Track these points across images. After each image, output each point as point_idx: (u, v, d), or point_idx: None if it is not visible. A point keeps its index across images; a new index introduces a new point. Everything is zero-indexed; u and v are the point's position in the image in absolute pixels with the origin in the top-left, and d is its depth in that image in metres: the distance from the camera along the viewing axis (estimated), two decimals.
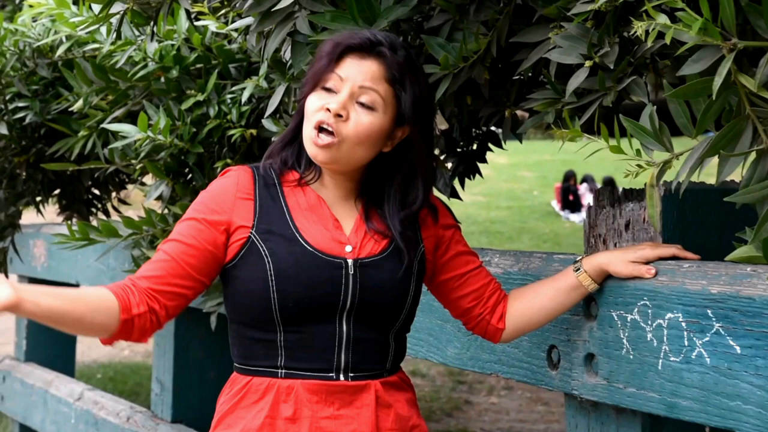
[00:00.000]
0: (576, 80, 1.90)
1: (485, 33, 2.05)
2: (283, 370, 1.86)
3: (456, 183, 3.19)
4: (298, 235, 1.86)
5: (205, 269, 1.87)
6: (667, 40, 1.60)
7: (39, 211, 4.17)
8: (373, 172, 1.95)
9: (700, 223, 1.97)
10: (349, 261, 1.87)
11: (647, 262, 1.85)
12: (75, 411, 4.29)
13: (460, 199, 3.21)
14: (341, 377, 1.86)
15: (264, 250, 1.85)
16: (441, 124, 2.99)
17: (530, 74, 2.38)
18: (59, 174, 4.09)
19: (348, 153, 1.86)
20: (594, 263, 1.91)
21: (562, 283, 1.94)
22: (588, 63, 1.89)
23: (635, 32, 1.62)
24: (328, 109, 1.83)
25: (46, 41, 3.51)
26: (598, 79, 1.88)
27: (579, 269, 1.92)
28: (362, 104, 1.84)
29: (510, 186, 18.41)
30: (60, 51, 3.42)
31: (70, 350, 5.31)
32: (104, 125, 3.16)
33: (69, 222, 4.15)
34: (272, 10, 2.06)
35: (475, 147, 3.15)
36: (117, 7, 2.25)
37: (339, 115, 1.83)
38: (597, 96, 1.92)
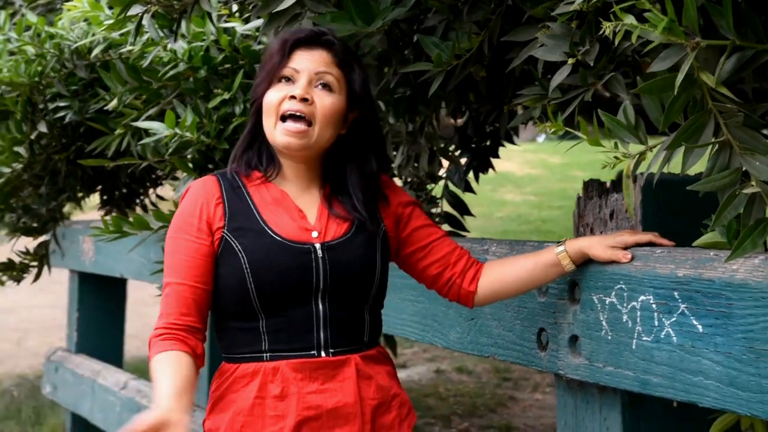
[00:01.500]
0: (559, 77, 2.01)
1: (478, 32, 2.17)
2: (268, 354, 1.99)
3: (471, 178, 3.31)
4: (266, 228, 2.00)
5: (210, 275, 2.00)
6: (633, 40, 1.71)
7: (79, 206, 4.35)
8: (329, 158, 2.09)
9: (678, 212, 2.07)
10: (317, 245, 2.00)
11: (626, 248, 1.96)
12: (120, 399, 4.45)
13: (473, 192, 3.33)
14: (322, 353, 1.99)
15: (237, 246, 1.98)
16: (449, 120, 3.11)
17: (525, 71, 2.49)
18: (99, 170, 4.27)
19: (319, 135, 2.00)
20: (575, 246, 2.02)
21: (542, 258, 2.05)
22: (570, 60, 2.00)
23: (603, 32, 1.73)
24: (293, 97, 1.97)
25: (82, 43, 3.68)
26: (579, 76, 1.99)
27: (561, 249, 2.03)
28: (322, 87, 2.00)
29: (562, 186, 18.38)
30: (95, 52, 3.58)
31: (118, 342, 5.49)
32: (135, 123, 3.32)
33: (105, 216, 4.32)
34: (277, 11, 2.19)
35: (488, 143, 3.27)
36: (136, 9, 2.39)
37: (305, 99, 1.98)
38: (579, 92, 2.03)
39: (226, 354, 2.06)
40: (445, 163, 3.28)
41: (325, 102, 1.99)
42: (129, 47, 3.61)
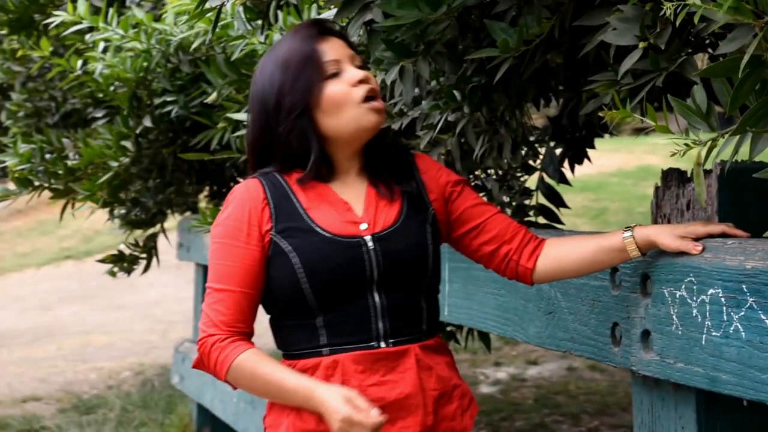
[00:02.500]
0: (629, 61, 1.93)
1: (549, 17, 2.11)
2: (327, 348, 1.97)
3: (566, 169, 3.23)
4: (314, 226, 1.98)
5: (261, 282, 2.00)
6: (695, 20, 1.63)
7: (186, 199, 4.44)
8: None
9: (757, 201, 1.97)
10: (367, 237, 1.98)
11: (697, 239, 1.88)
12: (237, 390, 4.52)
13: (569, 184, 3.25)
14: (382, 344, 1.98)
15: (287, 247, 1.96)
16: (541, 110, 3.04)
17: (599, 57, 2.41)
18: (205, 164, 4.35)
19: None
20: (644, 233, 1.93)
21: (608, 241, 1.97)
22: (642, 44, 1.92)
23: (663, 12, 1.66)
24: (360, 81, 2.00)
25: (182, 36, 3.74)
26: (650, 59, 1.92)
27: (629, 235, 1.95)
28: (361, 66, 2.05)
29: None
30: (194, 46, 3.64)
31: None
32: (229, 115, 3.36)
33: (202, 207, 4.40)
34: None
35: (583, 133, 3.19)
36: (215, 2, 2.41)
37: (368, 80, 2.02)
38: (651, 77, 1.95)
39: (283, 351, 2.06)
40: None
41: (373, 79, 2.05)
42: (236, 42, 3.66)
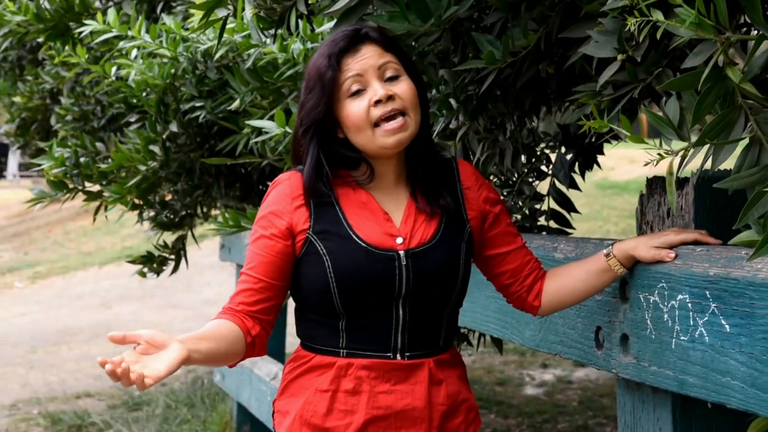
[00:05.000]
0: (608, 72, 2.00)
1: (536, 29, 2.17)
2: (345, 351, 2.02)
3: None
4: (352, 233, 2.00)
5: (285, 275, 2.04)
6: (658, 36, 1.70)
7: (213, 201, 4.55)
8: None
9: (733, 208, 2.01)
10: (401, 252, 2.00)
11: (671, 247, 1.93)
12: (270, 389, 4.62)
13: (579, 189, 3.30)
14: (398, 357, 2.02)
15: (322, 249, 1.99)
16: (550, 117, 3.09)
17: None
18: (234, 169, 4.46)
19: (413, 122, 2.00)
20: (622, 248, 2.00)
21: (593, 265, 2.05)
22: (620, 56, 1.98)
23: (628, 28, 1.72)
24: (378, 102, 1.95)
25: (210, 44, 3.84)
26: (627, 71, 1.97)
27: (609, 254, 2.02)
28: (391, 78, 1.99)
29: None
30: (218, 55, 3.75)
31: (280, 335, 5.65)
32: (248, 122, 3.45)
33: (223, 211, 4.50)
34: (347, 11, 2.25)
35: (593, 140, 3.23)
36: (221, 13, 2.50)
37: (390, 98, 1.96)
38: (630, 88, 2.01)
39: (302, 340, 2.10)
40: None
41: (404, 88, 1.98)
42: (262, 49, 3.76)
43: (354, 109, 1.98)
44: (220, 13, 2.54)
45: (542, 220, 3.32)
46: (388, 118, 1.97)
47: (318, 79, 1.99)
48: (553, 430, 5.66)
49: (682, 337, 1.84)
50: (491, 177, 3.14)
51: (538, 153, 3.17)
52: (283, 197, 2.04)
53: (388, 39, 2.03)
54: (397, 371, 2.01)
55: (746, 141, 1.70)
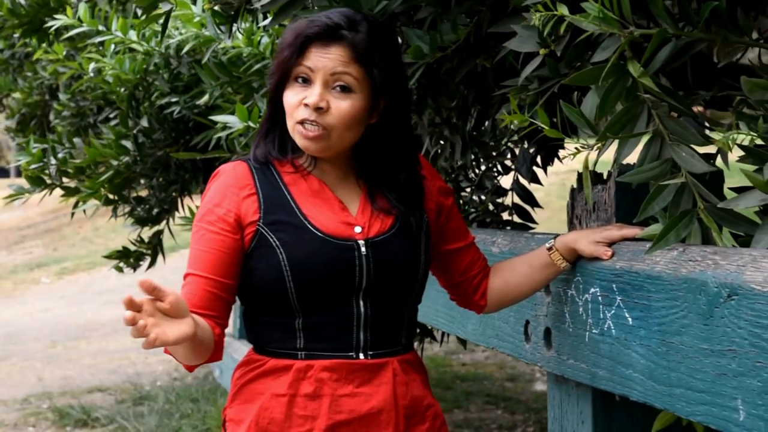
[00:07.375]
0: (530, 67, 2.00)
1: (466, 24, 2.18)
2: (303, 352, 1.88)
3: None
4: (306, 222, 1.87)
5: (236, 273, 1.89)
6: (561, 30, 1.70)
7: (189, 196, 4.58)
8: (364, 145, 1.93)
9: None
10: (360, 242, 1.88)
11: (612, 243, 1.87)
12: None
13: (540, 184, 3.31)
14: (360, 356, 1.89)
15: (275, 241, 1.85)
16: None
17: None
18: (210, 163, 4.48)
19: (338, 140, 1.86)
20: (564, 241, 1.96)
21: (537, 260, 1.99)
22: (543, 51, 1.99)
23: (533, 22, 1.73)
24: (307, 105, 1.83)
25: (176, 40, 3.86)
26: (548, 66, 1.98)
27: (552, 247, 1.97)
28: (339, 89, 1.84)
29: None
30: (185, 49, 3.77)
31: None
32: (211, 117, 3.47)
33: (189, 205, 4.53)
34: (283, 6, 2.26)
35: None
36: (165, 8, 2.52)
37: (319, 108, 1.83)
38: (553, 83, 2.02)
39: (254, 345, 1.97)
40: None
41: (341, 107, 1.83)
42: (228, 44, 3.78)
43: (290, 96, 1.87)
44: (165, 7, 2.55)
45: (506, 215, 3.34)
46: (308, 123, 1.84)
47: (280, 51, 1.88)
48: None
49: (593, 331, 1.85)
50: (441, 171, 3.15)
51: (503, 148, 3.17)
52: (228, 188, 1.89)
53: (366, 49, 1.85)
54: (360, 371, 1.88)
55: (649, 135, 1.70)
